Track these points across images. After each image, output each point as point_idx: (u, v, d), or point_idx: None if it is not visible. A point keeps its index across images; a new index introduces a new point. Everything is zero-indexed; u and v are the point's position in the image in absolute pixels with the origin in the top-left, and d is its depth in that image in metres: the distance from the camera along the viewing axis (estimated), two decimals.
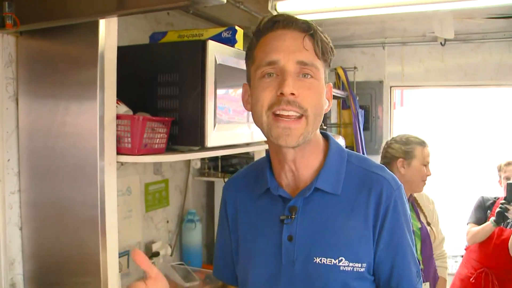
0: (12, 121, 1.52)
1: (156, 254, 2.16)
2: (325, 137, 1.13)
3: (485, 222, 2.71)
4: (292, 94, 0.97)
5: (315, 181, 1.05)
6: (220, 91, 1.62)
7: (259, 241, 1.11)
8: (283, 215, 1.07)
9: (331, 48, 1.05)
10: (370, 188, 1.05)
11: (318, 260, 1.04)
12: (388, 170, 1.11)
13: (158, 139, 1.48)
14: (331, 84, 1.09)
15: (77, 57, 1.41)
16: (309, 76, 1.00)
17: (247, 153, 2.48)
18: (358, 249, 1.03)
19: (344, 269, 1.03)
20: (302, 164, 1.07)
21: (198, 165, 2.50)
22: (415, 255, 1.09)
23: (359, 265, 1.03)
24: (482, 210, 2.80)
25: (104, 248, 1.38)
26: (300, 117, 0.99)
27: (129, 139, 1.40)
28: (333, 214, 1.05)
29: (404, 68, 3.39)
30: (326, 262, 1.03)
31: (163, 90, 1.60)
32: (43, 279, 1.54)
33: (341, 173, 1.07)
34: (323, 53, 1.02)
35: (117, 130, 1.39)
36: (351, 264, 1.03)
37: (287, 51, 0.99)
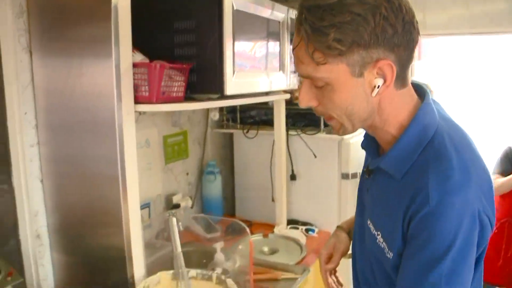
0: (27, 74, 1.49)
1: (177, 206, 2.17)
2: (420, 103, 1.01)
3: (511, 173, 2.66)
4: (312, 103, 0.98)
5: (381, 160, 1.03)
6: (238, 44, 1.57)
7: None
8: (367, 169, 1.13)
9: (335, 38, 0.87)
10: (417, 187, 0.93)
11: (369, 222, 1.09)
12: (454, 180, 0.90)
13: (176, 87, 1.44)
14: (383, 62, 0.90)
15: (89, 6, 1.36)
16: (320, 84, 0.94)
17: (266, 104, 2.43)
18: (393, 235, 0.99)
19: (379, 243, 1.03)
20: (378, 138, 1.06)
21: (217, 116, 2.47)
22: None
23: (388, 251, 1.01)
24: (509, 161, 2.74)
25: (125, 201, 1.37)
26: (331, 117, 0.99)
27: (147, 87, 1.37)
28: (389, 193, 1.02)
29: (426, 16, 3.25)
30: (372, 229, 1.07)
31: (179, 38, 1.55)
32: (67, 231, 1.56)
33: (409, 159, 0.97)
34: (324, 53, 0.89)
35: (134, 79, 1.35)
36: (384, 244, 1.02)
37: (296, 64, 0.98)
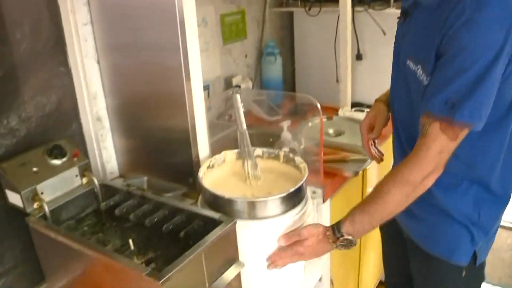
0: None
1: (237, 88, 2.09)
2: None
3: None
4: None
5: None
6: None
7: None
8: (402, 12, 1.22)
9: None
10: (453, 5, 0.98)
11: (408, 62, 1.14)
12: None
13: None
14: None
15: None
16: None
17: None
18: (429, 64, 1.05)
19: (419, 77, 1.09)
20: None
21: None
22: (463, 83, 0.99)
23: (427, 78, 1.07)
24: None
25: (188, 80, 1.29)
26: None
27: None
28: (426, 23, 1.08)
29: None
30: (411, 67, 1.12)
31: None
32: (127, 114, 1.51)
33: None
34: None
35: None
36: (423, 76, 1.08)
37: None
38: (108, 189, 1.36)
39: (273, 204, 1.17)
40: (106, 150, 1.56)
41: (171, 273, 0.92)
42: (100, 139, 1.53)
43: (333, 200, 1.61)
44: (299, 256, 1.19)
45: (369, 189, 2.06)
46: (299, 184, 1.20)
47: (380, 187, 1.13)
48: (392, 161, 1.41)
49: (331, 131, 2.07)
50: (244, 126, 1.36)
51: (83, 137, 1.52)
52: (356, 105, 2.33)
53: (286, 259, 1.20)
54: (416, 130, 1.09)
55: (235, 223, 1.11)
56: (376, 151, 1.45)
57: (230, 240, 1.12)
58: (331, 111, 2.25)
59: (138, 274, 0.93)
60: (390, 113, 1.40)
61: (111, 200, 1.32)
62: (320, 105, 1.42)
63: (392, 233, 1.48)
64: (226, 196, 1.17)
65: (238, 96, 1.39)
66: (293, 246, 1.18)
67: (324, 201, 1.49)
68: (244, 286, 1.19)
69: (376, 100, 1.48)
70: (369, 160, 1.71)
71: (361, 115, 2.17)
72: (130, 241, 1.12)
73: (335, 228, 1.16)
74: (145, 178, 1.45)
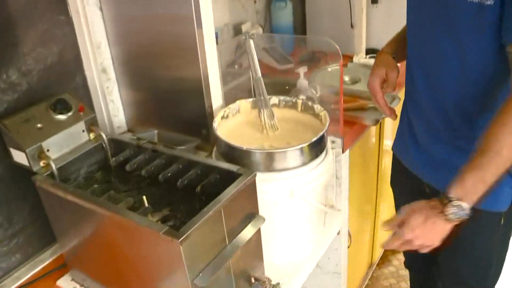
0: None
1: None
2: None
3: None
4: None
5: None
6: None
7: None
8: None
9: None
10: None
11: None
12: None
13: None
14: None
15: None
16: None
17: None
18: None
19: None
20: None
21: None
22: None
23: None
24: None
25: (199, 26, 1.20)
26: None
27: None
28: None
29: None
30: None
31: None
32: (135, 63, 1.42)
33: None
34: None
35: None
36: None
37: None
38: (117, 144, 1.29)
39: (293, 155, 1.11)
40: (113, 103, 1.48)
41: (189, 231, 0.85)
42: (106, 91, 1.45)
43: (352, 150, 1.54)
44: (408, 244, 1.03)
45: (387, 141, 1.98)
46: (321, 133, 1.13)
47: (486, 138, 0.97)
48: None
49: (346, 78, 1.97)
50: (259, 73, 1.29)
51: (88, 90, 1.44)
52: (370, 51, 2.22)
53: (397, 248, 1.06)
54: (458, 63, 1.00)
55: (255, 175, 1.05)
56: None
57: (250, 194, 1.06)
58: (345, 58, 2.14)
59: (155, 233, 0.87)
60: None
61: (120, 156, 1.25)
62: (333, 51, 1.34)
63: (408, 190, 1.42)
64: (244, 147, 1.10)
65: (251, 42, 1.30)
66: (397, 233, 1.03)
67: (343, 151, 1.42)
68: (264, 241, 1.14)
69: (382, 53, 1.38)
70: None
71: None
72: (144, 197, 1.06)
73: (442, 195, 1.00)
74: (156, 132, 1.38)
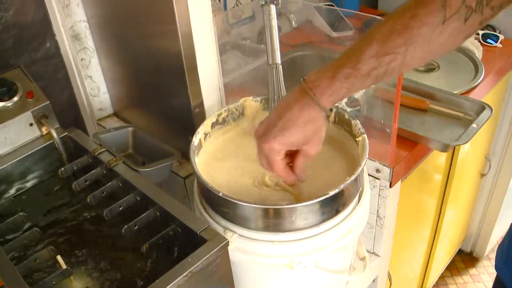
0: None
1: None
2: None
3: None
4: None
5: None
6: None
7: None
8: None
9: None
10: None
11: None
12: None
13: None
14: None
15: None
16: None
17: None
18: None
19: None
20: None
21: None
22: None
23: None
24: None
25: None
26: None
27: None
28: None
29: None
30: None
31: None
32: (113, 29, 1.04)
33: None
34: None
35: None
36: None
37: None
38: (77, 146, 0.95)
39: (303, 213, 0.71)
40: (91, 79, 1.12)
41: None
42: (81, 64, 1.09)
43: (405, 182, 1.09)
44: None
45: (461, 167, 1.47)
46: (352, 178, 0.71)
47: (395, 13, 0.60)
48: None
49: None
50: (278, 58, 0.85)
51: (62, 62, 1.09)
52: None
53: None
54: None
55: (226, 244, 0.67)
56: None
57: (220, 267, 0.69)
58: None
59: None
60: None
61: (73, 165, 0.92)
62: None
63: None
64: (221, 193, 0.70)
65: (273, 8, 0.86)
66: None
67: (391, 186, 0.98)
68: None
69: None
70: (475, 124, 1.10)
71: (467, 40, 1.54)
72: (59, 257, 0.71)
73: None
74: (130, 129, 1.01)
